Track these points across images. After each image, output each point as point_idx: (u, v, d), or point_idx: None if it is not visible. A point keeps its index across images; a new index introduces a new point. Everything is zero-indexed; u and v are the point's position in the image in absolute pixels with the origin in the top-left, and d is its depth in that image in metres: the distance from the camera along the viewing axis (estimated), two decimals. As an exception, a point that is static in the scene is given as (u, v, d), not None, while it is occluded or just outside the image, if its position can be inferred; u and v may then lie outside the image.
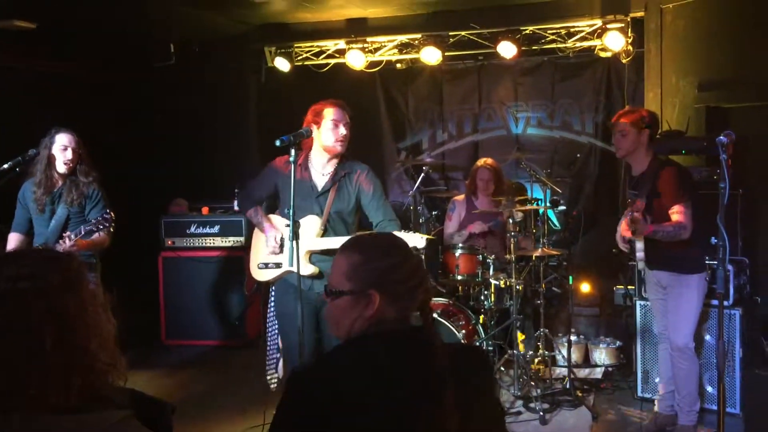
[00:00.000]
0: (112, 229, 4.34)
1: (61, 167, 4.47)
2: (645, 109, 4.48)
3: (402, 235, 3.75)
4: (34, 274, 1.46)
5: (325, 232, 3.91)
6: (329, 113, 3.89)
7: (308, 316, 3.80)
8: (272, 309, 4.26)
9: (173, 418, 1.63)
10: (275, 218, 4.13)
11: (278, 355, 4.39)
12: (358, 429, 1.60)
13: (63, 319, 1.45)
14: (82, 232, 4.27)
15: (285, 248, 3.91)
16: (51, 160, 4.46)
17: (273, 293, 4.22)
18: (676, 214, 4.07)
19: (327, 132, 3.88)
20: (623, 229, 4.29)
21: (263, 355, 4.58)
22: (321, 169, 3.99)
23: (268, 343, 4.42)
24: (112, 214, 4.32)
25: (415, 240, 3.67)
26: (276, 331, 4.31)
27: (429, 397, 1.64)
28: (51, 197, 4.50)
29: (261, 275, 4.13)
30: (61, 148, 4.46)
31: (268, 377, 4.40)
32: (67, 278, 1.50)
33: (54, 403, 1.40)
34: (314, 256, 3.91)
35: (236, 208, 6.26)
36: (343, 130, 3.90)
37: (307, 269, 3.86)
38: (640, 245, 4.34)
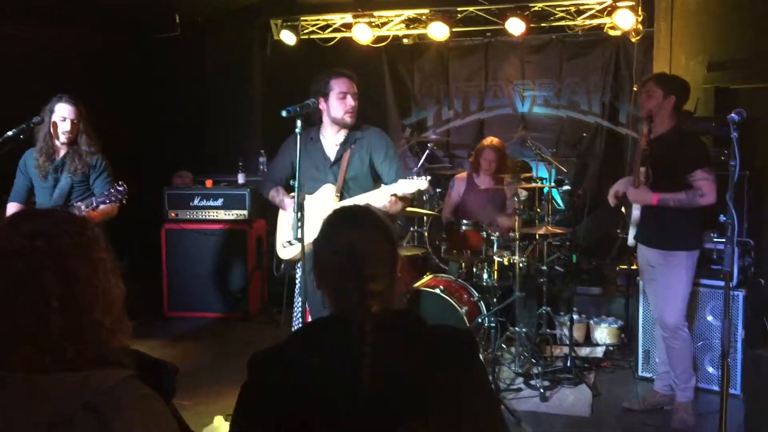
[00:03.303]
0: (124, 201, 4.32)
1: (60, 137, 4.42)
2: (680, 78, 4.40)
3: (407, 182, 3.70)
4: (51, 233, 1.46)
5: (342, 199, 3.88)
6: (336, 85, 3.85)
7: None
8: (299, 288, 4.01)
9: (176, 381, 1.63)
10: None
11: None
12: (296, 420, 1.58)
13: (72, 281, 1.44)
14: (94, 204, 4.25)
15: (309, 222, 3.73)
16: (53, 127, 4.41)
17: (298, 272, 4.07)
18: (699, 180, 3.94)
19: (335, 104, 3.86)
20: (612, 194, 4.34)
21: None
22: (332, 139, 3.98)
23: (293, 323, 4.22)
24: (125, 186, 4.29)
25: (419, 184, 3.65)
26: (300, 310, 4.12)
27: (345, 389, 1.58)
28: (54, 165, 4.46)
29: (285, 253, 4.08)
30: (60, 118, 4.39)
31: None
32: (81, 241, 1.49)
33: (50, 363, 1.40)
34: None
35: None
36: (351, 101, 3.88)
37: None
38: (636, 212, 4.30)
